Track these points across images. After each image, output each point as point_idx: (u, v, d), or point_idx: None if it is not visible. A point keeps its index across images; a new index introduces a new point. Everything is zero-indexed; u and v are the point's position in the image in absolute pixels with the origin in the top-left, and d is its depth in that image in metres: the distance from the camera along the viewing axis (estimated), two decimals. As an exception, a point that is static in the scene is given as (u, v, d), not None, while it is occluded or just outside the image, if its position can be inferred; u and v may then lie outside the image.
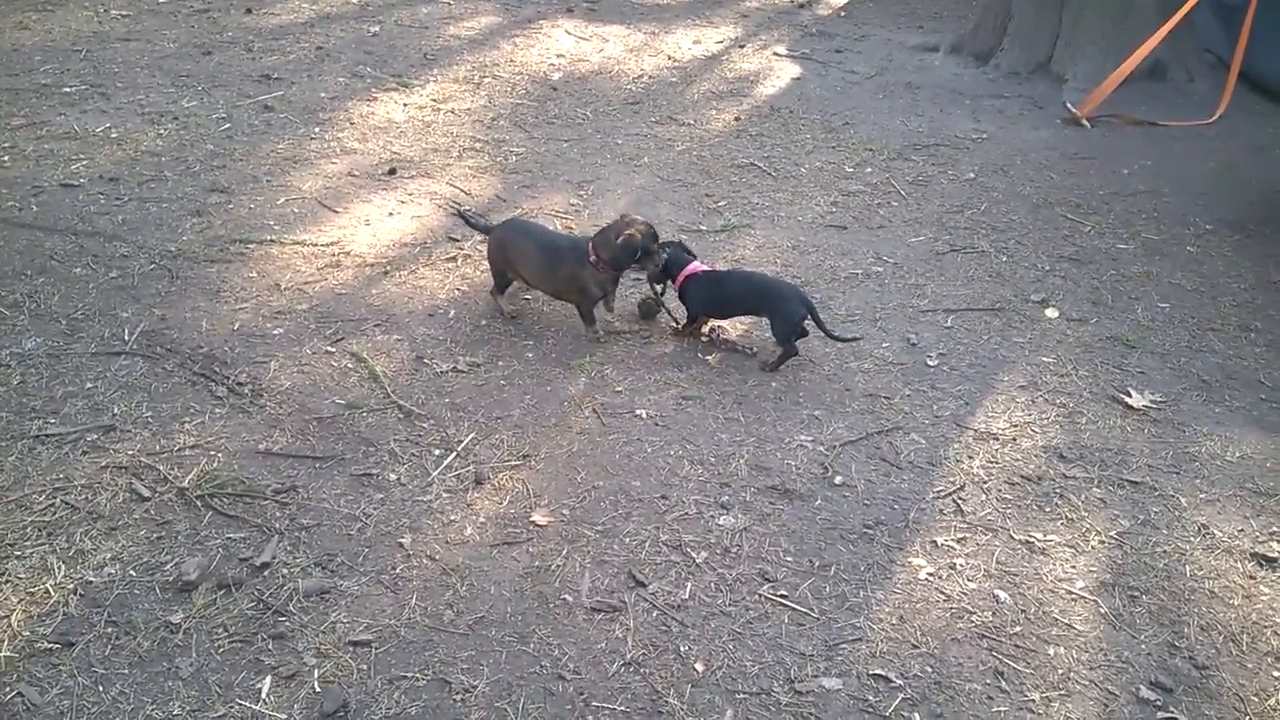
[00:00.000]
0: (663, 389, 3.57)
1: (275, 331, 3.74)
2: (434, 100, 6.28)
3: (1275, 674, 2.58)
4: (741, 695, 2.42)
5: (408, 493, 3.00)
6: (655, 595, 2.69)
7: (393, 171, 5.19)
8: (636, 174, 5.41)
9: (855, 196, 5.29)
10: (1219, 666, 2.58)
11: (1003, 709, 2.42)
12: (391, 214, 4.74)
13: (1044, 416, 3.52)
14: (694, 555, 2.84)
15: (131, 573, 2.64)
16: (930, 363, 3.80)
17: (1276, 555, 2.95)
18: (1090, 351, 3.92)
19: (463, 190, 5.02)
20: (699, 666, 2.49)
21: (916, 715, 2.39)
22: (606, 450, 3.25)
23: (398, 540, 2.81)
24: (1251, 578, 2.88)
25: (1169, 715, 2.43)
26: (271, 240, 4.39)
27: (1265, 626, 2.72)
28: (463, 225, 4.36)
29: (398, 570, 2.71)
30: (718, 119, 6.36)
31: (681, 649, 2.54)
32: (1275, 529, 3.06)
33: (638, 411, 3.44)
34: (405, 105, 6.16)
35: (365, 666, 2.41)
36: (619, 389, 3.56)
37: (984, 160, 5.84)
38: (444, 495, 3.00)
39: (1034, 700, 2.44)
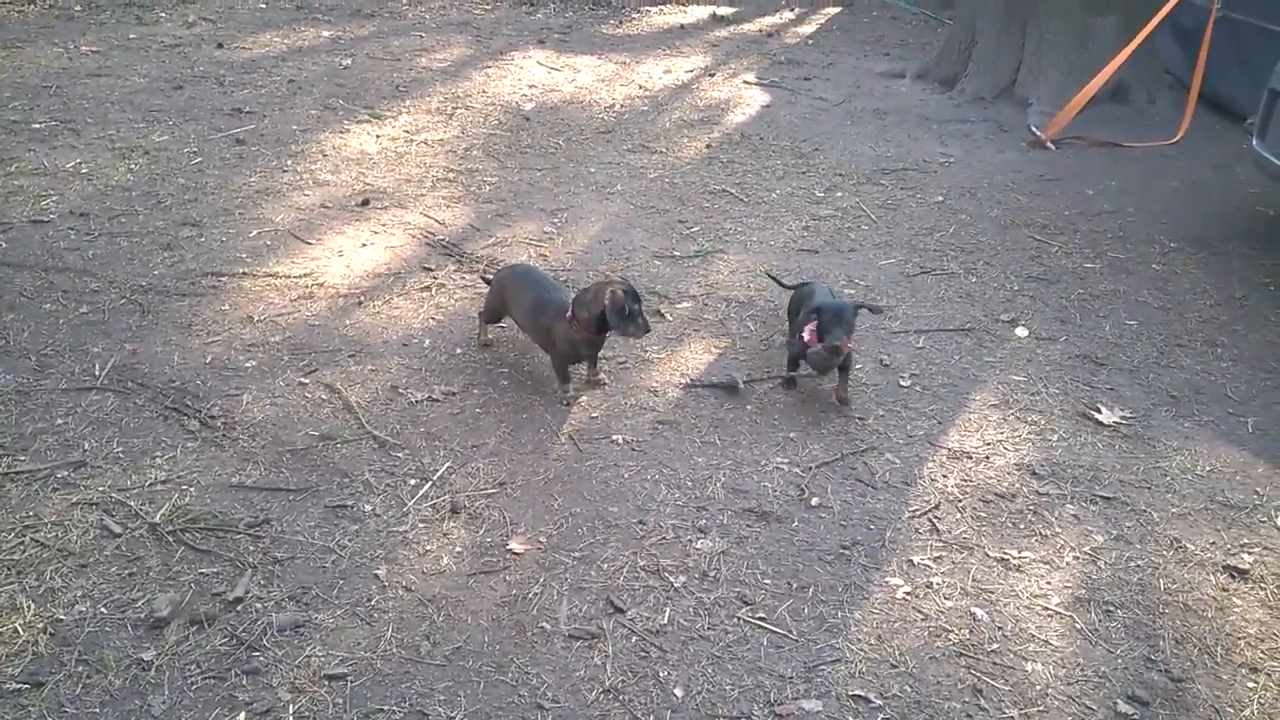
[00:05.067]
0: (638, 414, 3.57)
1: (248, 364, 3.72)
2: (406, 131, 6.31)
3: (1250, 685, 2.60)
4: None
5: (383, 523, 2.98)
6: (634, 621, 2.68)
7: (366, 203, 5.20)
8: (609, 201, 5.44)
9: (826, 221, 5.34)
10: (1194, 679, 2.60)
11: (982, 727, 2.43)
12: (365, 245, 4.75)
13: (1016, 434, 3.55)
14: (672, 580, 2.84)
15: (102, 610, 2.60)
16: (903, 383, 3.84)
17: (1248, 567, 2.98)
18: (1060, 369, 3.97)
19: (436, 220, 5.04)
20: (678, 692, 2.48)
21: (897, 735, 2.39)
22: (583, 476, 3.25)
23: (373, 572, 2.79)
24: (1224, 590, 2.90)
25: (1147, 729, 2.45)
26: (244, 273, 4.38)
27: (1239, 638, 2.74)
28: (438, 255, 4.36)
29: (373, 602, 2.69)
30: (689, 146, 6.42)
31: (661, 674, 2.53)
32: (1246, 541, 3.10)
33: (614, 437, 3.44)
34: (378, 137, 6.18)
35: (341, 700, 2.38)
36: (595, 415, 3.56)
37: (951, 183, 5.93)
38: (420, 525, 2.98)
39: (1013, 717, 2.45)
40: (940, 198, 5.70)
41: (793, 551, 2.97)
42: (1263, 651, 2.70)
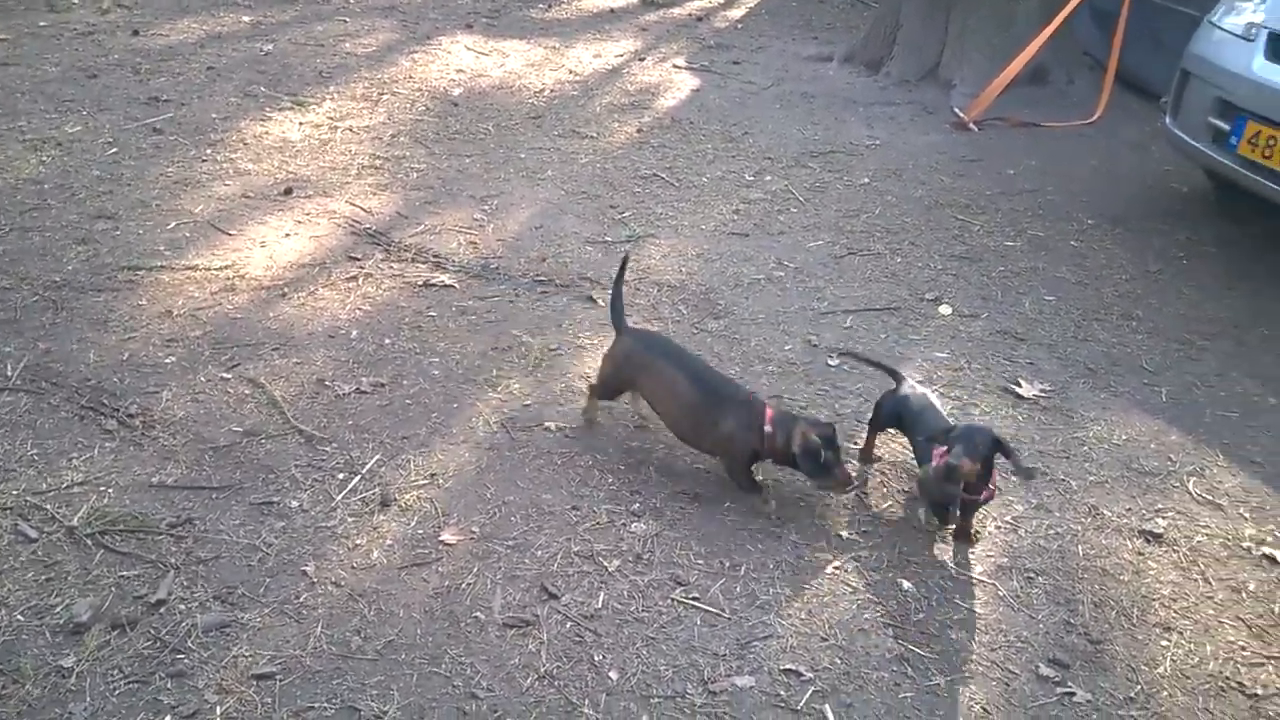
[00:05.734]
0: (570, 400, 3.57)
1: (167, 360, 3.62)
2: (331, 118, 6.18)
3: (1164, 644, 2.70)
4: (656, 699, 2.44)
5: (310, 519, 2.93)
6: (568, 607, 2.69)
7: (289, 191, 5.09)
8: (540, 187, 5.41)
9: (756, 204, 5.38)
10: (1112, 640, 2.70)
11: (909, 694, 2.48)
12: (288, 235, 4.65)
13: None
14: (606, 564, 2.85)
15: (19, 618, 2.52)
16: (831, 363, 3.89)
17: (1162, 531, 3.10)
18: (982, 345, 4.07)
19: (362, 208, 4.95)
20: (613, 675, 2.50)
21: (827, 706, 2.44)
22: (516, 464, 3.24)
23: (301, 568, 2.75)
24: (1140, 554, 3.01)
25: (1067, 690, 2.53)
26: (162, 266, 4.26)
27: (1153, 599, 2.85)
28: (365, 244, 4.29)
29: (302, 599, 2.65)
30: (620, 131, 6.40)
31: (596, 658, 2.54)
32: (1160, 506, 3.21)
33: (547, 424, 3.44)
34: (301, 124, 6.05)
35: (270, 700, 2.35)
36: (527, 403, 3.55)
37: (878, 165, 6.01)
38: (349, 520, 2.94)
39: (939, 684, 2.51)
40: (866, 179, 5.78)
41: (725, 531, 3.00)
42: (1176, 611, 2.81)
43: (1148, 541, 3.06)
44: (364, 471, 3.14)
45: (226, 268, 4.29)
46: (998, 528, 3.06)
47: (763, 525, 3.01)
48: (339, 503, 3.00)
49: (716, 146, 6.21)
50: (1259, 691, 2.58)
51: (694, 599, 2.74)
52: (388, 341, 3.85)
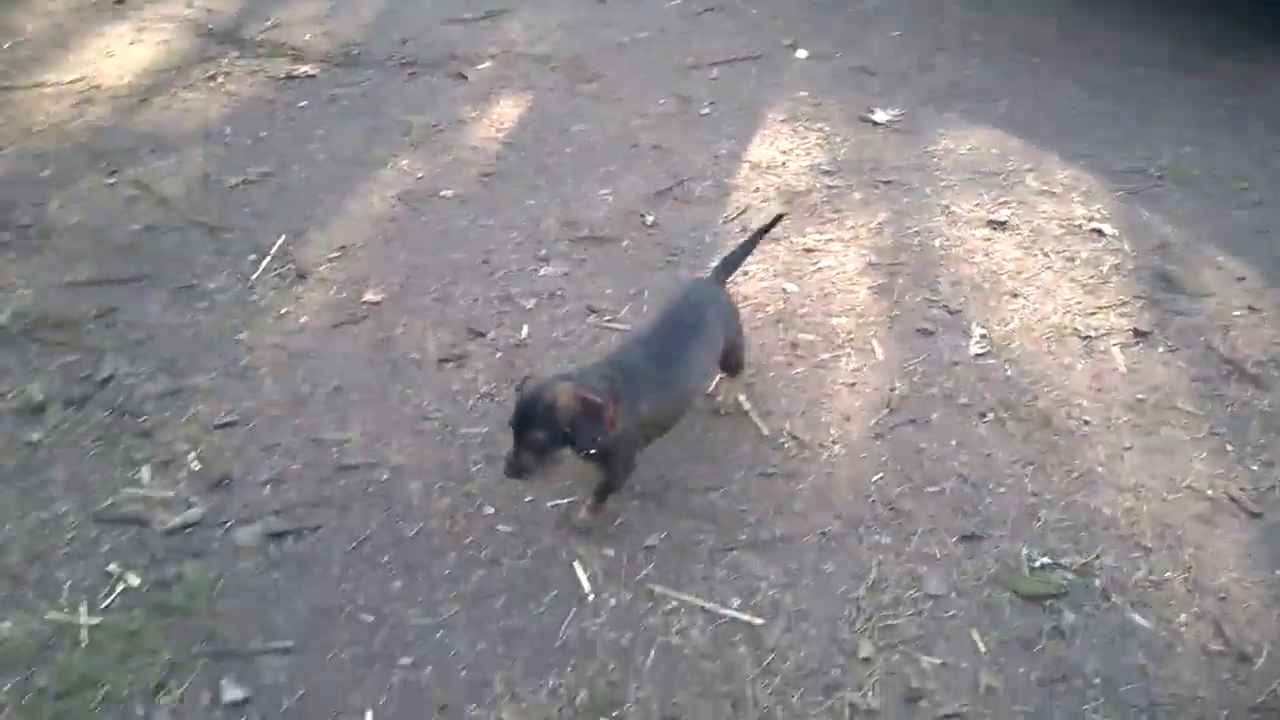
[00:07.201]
0: (463, 169, 3.69)
1: (43, 173, 3.54)
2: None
3: (1011, 307, 3.15)
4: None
5: (233, 296, 3.05)
6: (496, 340, 2.94)
7: (120, 0, 4.80)
8: (389, -26, 5.24)
9: (611, -29, 5.37)
10: (968, 310, 3.13)
11: (801, 370, 2.87)
12: (133, 43, 4.44)
13: (806, 141, 3.91)
14: (524, 304, 3.09)
15: (-33, 414, 2.61)
16: (703, 112, 4.10)
17: (1005, 219, 3.53)
18: (838, 82, 4.34)
19: (205, 9, 4.74)
20: (547, 385, 2.79)
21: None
22: (420, 231, 3.39)
23: (235, 338, 2.89)
24: (988, 239, 3.44)
25: (937, 348, 2.96)
26: (8, 86, 4.04)
27: (1001, 274, 3.29)
28: (216, 44, 4.14)
29: (243, 362, 2.81)
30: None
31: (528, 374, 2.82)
32: (1003, 200, 3.63)
33: (443, 193, 3.57)
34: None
35: (238, 442, 2.55)
36: (420, 176, 3.66)
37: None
38: (270, 293, 3.07)
39: (825, 359, 2.91)
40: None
41: (626, 265, 3.26)
42: (1021, 281, 3.26)
43: (994, 229, 3.49)
44: (273, 251, 3.23)
45: (79, 80, 4.11)
46: (867, 233, 3.43)
47: (660, 257, 3.29)
48: (256, 280, 3.11)
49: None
50: (1091, 334, 3.08)
51: (608, 322, 3.03)
52: (264, 134, 3.84)
